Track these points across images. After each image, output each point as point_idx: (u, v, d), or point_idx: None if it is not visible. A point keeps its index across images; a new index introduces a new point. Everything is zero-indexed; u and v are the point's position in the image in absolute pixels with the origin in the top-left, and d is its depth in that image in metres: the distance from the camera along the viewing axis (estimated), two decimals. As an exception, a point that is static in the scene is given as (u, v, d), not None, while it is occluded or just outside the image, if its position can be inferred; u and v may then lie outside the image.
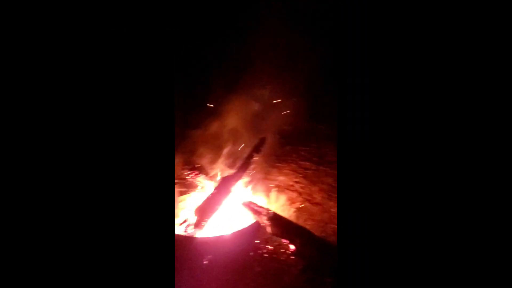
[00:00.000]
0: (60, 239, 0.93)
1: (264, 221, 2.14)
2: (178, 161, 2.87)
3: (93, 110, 0.97)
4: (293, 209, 2.63)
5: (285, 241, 2.03)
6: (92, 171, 0.96)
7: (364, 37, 0.98)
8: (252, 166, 2.72)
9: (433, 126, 0.95)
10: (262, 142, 2.86)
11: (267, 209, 2.19)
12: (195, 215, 2.15)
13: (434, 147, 0.95)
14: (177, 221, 2.33)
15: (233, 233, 2.15)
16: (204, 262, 1.92)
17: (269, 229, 2.08)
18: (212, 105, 3.51)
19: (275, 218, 2.10)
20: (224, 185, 2.34)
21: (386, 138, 0.98)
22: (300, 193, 2.87)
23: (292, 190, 3.02)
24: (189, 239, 2.05)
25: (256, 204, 2.25)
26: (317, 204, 2.67)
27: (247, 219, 2.32)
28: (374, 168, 0.98)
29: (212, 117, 3.22)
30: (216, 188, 2.33)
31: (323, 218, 2.42)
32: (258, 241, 2.09)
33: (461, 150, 0.93)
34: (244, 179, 2.60)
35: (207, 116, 3.32)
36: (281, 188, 3.03)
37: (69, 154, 0.95)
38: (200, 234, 2.13)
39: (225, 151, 2.89)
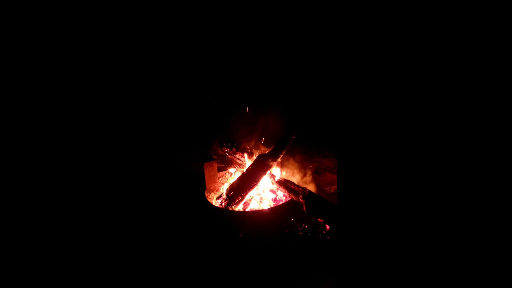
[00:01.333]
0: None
1: (300, 200, 2.11)
2: (218, 139, 2.94)
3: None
4: (332, 191, 2.55)
5: (320, 220, 1.99)
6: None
7: None
8: (290, 146, 2.68)
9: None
10: (302, 122, 2.78)
11: (304, 188, 2.16)
12: (232, 189, 2.20)
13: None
14: (215, 195, 2.42)
15: (269, 209, 2.16)
16: (240, 235, 1.97)
17: (305, 208, 2.05)
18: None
19: (311, 198, 2.06)
20: (260, 163, 2.34)
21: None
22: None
23: (333, 173, 2.93)
24: (225, 212, 2.11)
25: (293, 183, 2.22)
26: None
27: (283, 197, 2.32)
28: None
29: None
30: (252, 165, 2.35)
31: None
32: (293, 219, 2.08)
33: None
34: (281, 158, 2.58)
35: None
36: (320, 170, 2.96)
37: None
38: (236, 208, 2.18)
39: (263, 130, 2.88)
